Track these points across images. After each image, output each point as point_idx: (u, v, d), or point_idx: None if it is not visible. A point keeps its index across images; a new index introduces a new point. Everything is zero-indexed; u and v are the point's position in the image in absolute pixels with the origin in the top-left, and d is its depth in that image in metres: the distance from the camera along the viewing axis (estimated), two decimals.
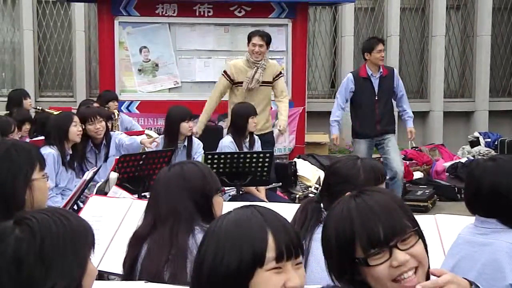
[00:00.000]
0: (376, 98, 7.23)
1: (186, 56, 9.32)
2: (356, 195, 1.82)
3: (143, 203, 3.08)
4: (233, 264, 1.55)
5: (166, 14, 9.17)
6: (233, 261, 1.56)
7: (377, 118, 7.22)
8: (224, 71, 7.17)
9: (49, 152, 5.13)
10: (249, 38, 7.06)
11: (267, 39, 7.08)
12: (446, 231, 3.05)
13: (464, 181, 7.90)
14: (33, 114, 8.36)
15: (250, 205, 1.69)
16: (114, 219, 3.11)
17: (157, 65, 9.25)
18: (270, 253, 1.57)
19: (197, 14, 9.25)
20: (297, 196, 7.97)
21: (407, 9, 11.73)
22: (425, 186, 8.54)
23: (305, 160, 8.82)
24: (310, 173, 8.46)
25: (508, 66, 12.32)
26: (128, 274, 2.53)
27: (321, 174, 8.64)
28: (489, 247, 2.50)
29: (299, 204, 2.70)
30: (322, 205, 2.59)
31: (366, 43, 7.55)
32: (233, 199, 5.81)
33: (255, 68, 6.96)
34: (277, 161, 8.69)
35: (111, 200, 3.38)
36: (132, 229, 2.68)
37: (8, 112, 7.41)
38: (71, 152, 5.33)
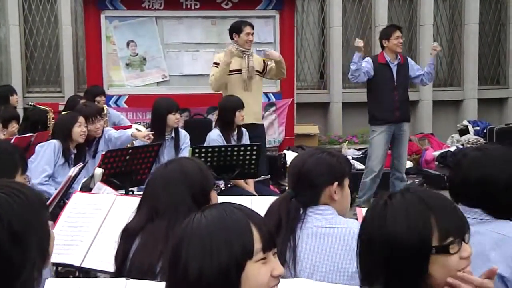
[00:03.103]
0: (395, 84, 7.23)
1: (174, 50, 9.31)
2: (408, 189, 1.82)
3: (127, 199, 3.08)
4: (224, 260, 1.59)
5: (152, 8, 9.16)
6: (224, 257, 1.58)
7: (396, 105, 7.23)
8: (215, 62, 7.15)
9: (52, 141, 5.25)
10: (239, 29, 7.06)
11: (253, 27, 7.23)
12: None
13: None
14: (21, 111, 8.34)
15: (220, 204, 1.73)
16: (98, 215, 3.09)
17: (144, 59, 9.24)
18: (257, 244, 1.62)
19: (184, 7, 9.24)
20: (287, 188, 7.95)
21: None
22: (415, 176, 8.56)
23: (294, 151, 8.82)
24: None
25: (496, 54, 12.33)
26: (120, 268, 2.52)
27: None
28: (477, 237, 2.50)
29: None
30: (295, 200, 2.57)
31: (383, 31, 7.60)
32: (221, 192, 5.80)
33: (246, 56, 6.96)
34: (267, 153, 8.69)
35: (94, 196, 3.37)
36: (117, 225, 2.67)
37: None
38: (75, 152, 5.35)
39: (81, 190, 4.03)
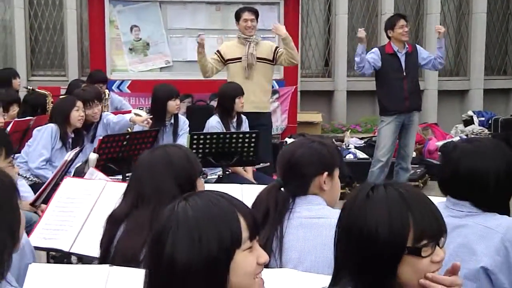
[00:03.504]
0: (404, 74, 7.18)
1: (178, 35, 9.27)
2: (391, 184, 1.76)
3: (117, 185, 3.06)
4: (214, 250, 1.56)
5: None
6: (214, 247, 1.56)
7: (405, 95, 7.17)
8: (217, 50, 7.20)
9: (49, 125, 5.25)
10: (238, 15, 7.05)
11: (256, 13, 7.11)
12: None
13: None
14: (23, 95, 8.33)
15: (202, 192, 1.71)
16: (88, 201, 3.08)
17: (148, 44, 9.20)
18: (245, 233, 1.61)
19: None
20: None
21: None
22: (417, 166, 8.51)
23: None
24: None
25: (503, 44, 12.24)
26: (103, 255, 2.51)
27: None
28: (462, 229, 2.49)
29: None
30: (284, 190, 2.55)
31: (388, 20, 7.54)
32: (219, 179, 5.79)
33: (247, 43, 6.92)
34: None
35: (85, 182, 3.35)
36: (106, 211, 2.66)
37: None
38: (73, 136, 5.35)
39: (75, 175, 4.03)
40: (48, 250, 3.19)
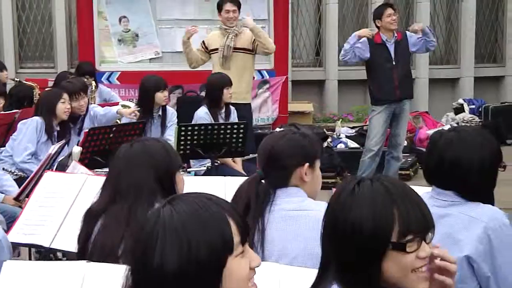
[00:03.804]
0: (394, 63, 7.15)
1: (167, 26, 9.20)
2: (377, 178, 1.72)
3: (98, 179, 3.03)
4: (205, 258, 1.48)
5: None
6: (205, 254, 1.48)
7: (395, 84, 7.13)
8: (202, 41, 7.21)
9: (34, 118, 5.20)
10: (220, 6, 7.01)
11: (238, 4, 7.07)
12: None
13: None
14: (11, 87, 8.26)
15: (188, 194, 1.60)
16: (68, 195, 3.05)
17: (137, 35, 9.13)
18: (236, 238, 1.53)
19: None
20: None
21: None
22: (408, 154, 8.50)
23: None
24: None
25: (493, 32, 12.22)
26: (81, 251, 2.48)
27: None
28: (446, 219, 2.47)
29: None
30: (265, 182, 2.52)
31: (375, 10, 7.54)
32: (208, 171, 5.76)
33: (227, 34, 6.90)
34: (259, 131, 8.63)
35: (65, 176, 3.32)
36: (87, 206, 2.62)
37: None
38: (58, 129, 5.31)
39: (58, 168, 3.99)
40: (28, 246, 3.15)
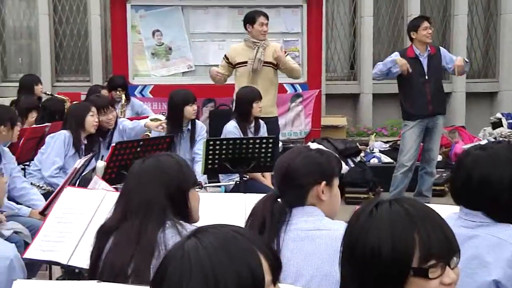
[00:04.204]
0: (426, 78, 7.04)
1: (200, 39, 9.22)
2: (397, 200, 1.64)
3: (117, 195, 2.98)
4: None
5: None
6: None
7: (428, 98, 7.03)
8: (225, 55, 7.18)
9: (61, 132, 5.22)
10: (253, 19, 6.96)
11: (268, 18, 7.05)
12: None
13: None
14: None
15: (215, 227, 1.44)
16: (87, 211, 3.03)
17: (170, 48, 9.17)
18: (267, 276, 1.37)
19: None
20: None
21: None
22: (443, 170, 8.35)
23: (319, 144, 8.67)
24: None
25: None
26: (92, 269, 2.44)
27: None
28: (474, 240, 2.38)
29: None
30: (281, 201, 2.45)
31: (410, 23, 7.44)
32: (236, 186, 5.72)
33: (256, 48, 6.84)
34: (290, 145, 8.56)
35: (85, 191, 3.29)
36: None
37: (15, 98, 7.34)
38: (85, 142, 5.32)
39: (80, 183, 3.98)
40: (46, 262, 3.13)
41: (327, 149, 2.60)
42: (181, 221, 2.42)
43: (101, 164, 4.08)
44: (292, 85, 9.01)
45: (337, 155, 2.61)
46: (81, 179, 4.09)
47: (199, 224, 2.57)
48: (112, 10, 9.24)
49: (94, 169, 4.22)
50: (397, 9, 11.37)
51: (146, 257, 2.29)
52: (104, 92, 7.28)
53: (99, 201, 3.05)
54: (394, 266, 1.56)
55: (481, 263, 2.34)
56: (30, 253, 2.85)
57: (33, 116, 6.35)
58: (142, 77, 9.12)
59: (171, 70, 9.19)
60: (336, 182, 2.50)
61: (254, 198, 2.91)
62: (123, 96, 7.28)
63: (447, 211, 2.63)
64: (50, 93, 7.28)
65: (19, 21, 10.85)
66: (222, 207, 3.10)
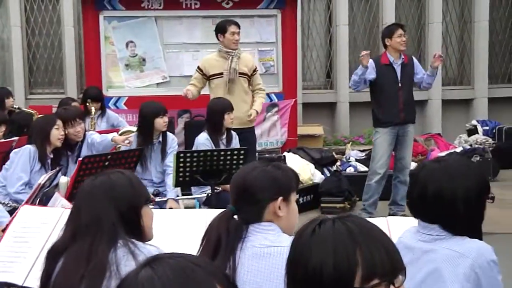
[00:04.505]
0: (400, 85, 7.02)
1: (174, 50, 9.16)
2: (341, 218, 1.59)
3: None
4: None
5: (152, 8, 9.01)
6: None
7: (400, 106, 7.00)
8: (198, 66, 7.04)
9: (26, 147, 5.11)
10: (223, 29, 6.89)
11: (239, 27, 6.97)
12: (397, 234, 2.87)
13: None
14: None
15: (172, 256, 1.36)
16: (44, 230, 2.95)
17: (144, 59, 9.09)
18: None
19: (183, 6, 9.08)
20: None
21: None
22: None
23: (295, 153, 8.64)
24: (300, 167, 8.27)
25: (507, 52, 12.04)
26: None
27: (312, 167, 8.48)
28: (431, 254, 2.35)
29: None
30: (237, 217, 2.40)
31: (385, 30, 7.42)
32: (208, 199, 5.66)
33: (230, 57, 6.78)
34: (266, 155, 8.53)
35: (42, 209, 3.21)
36: None
37: None
38: (52, 156, 5.22)
39: (41, 199, 3.90)
40: (1, 284, 3.04)
41: (284, 164, 2.55)
42: (133, 240, 2.35)
43: (64, 179, 3.99)
44: (268, 94, 8.95)
45: (294, 169, 2.54)
46: (42, 195, 3.99)
47: (156, 241, 2.51)
48: (85, 21, 9.16)
49: (57, 185, 4.13)
50: (372, 18, 11.40)
51: (97, 278, 2.22)
52: (75, 104, 7.18)
53: (56, 219, 2.97)
54: (336, 286, 1.51)
55: (439, 277, 2.32)
56: None
57: (1, 130, 6.23)
58: (116, 89, 9.03)
59: (145, 81, 9.11)
60: (293, 197, 2.45)
61: (215, 214, 2.86)
62: (93, 109, 7.18)
63: (411, 224, 2.60)
64: (18, 107, 7.15)
65: None
66: (182, 223, 3.04)
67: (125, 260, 2.27)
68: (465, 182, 2.34)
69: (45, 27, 10.67)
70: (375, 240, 1.56)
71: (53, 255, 2.38)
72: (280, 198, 2.39)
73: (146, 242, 2.42)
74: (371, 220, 3.27)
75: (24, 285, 2.75)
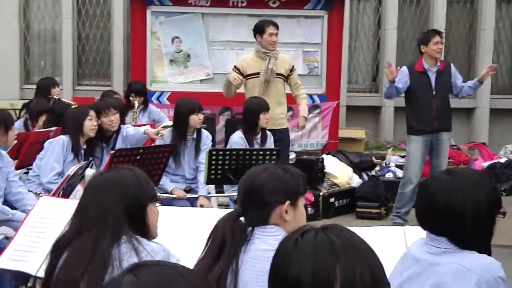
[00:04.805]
0: (434, 93, 6.92)
1: (219, 47, 9.21)
2: (325, 229, 1.56)
3: None
4: None
5: (199, 4, 9.08)
6: None
7: (434, 114, 6.91)
8: (234, 66, 7.04)
9: (60, 137, 5.20)
10: (262, 29, 6.88)
11: (278, 27, 6.94)
12: None
13: (500, 182, 7.54)
14: None
15: (157, 264, 1.37)
16: (60, 221, 2.99)
17: (189, 55, 9.17)
18: None
19: (230, 4, 9.12)
20: (321, 193, 7.74)
21: (454, 2, 11.27)
22: None
23: (334, 156, 8.59)
24: (338, 170, 8.23)
25: None
26: (46, 284, 2.40)
27: (350, 171, 8.41)
28: (438, 267, 2.30)
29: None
30: (244, 219, 2.39)
31: (422, 36, 7.32)
32: None
33: (267, 58, 6.77)
34: (304, 157, 8.49)
35: (60, 201, 3.26)
36: None
37: (27, 101, 7.38)
38: (85, 147, 5.31)
39: (66, 191, 3.95)
40: (15, 273, 3.09)
41: (294, 168, 2.53)
42: (137, 237, 2.37)
43: (90, 172, 4.02)
44: (310, 96, 8.92)
45: (303, 173, 2.52)
46: (67, 186, 4.04)
47: (162, 239, 2.53)
48: (132, 16, 9.29)
49: (83, 177, 4.18)
50: (422, 22, 11.23)
51: (99, 272, 2.25)
52: (117, 97, 7.28)
53: (72, 211, 3.01)
54: None
55: None
56: (1, 263, 2.82)
57: (42, 119, 6.36)
58: (160, 84, 9.13)
59: (189, 78, 9.18)
60: (301, 202, 2.43)
61: (222, 214, 2.85)
62: (136, 103, 7.27)
63: (420, 235, 2.55)
64: (58, 98, 7.27)
65: (44, 24, 10.96)
66: (188, 223, 3.05)
67: (128, 256, 2.28)
68: (475, 195, 2.29)
69: (95, 20, 10.85)
70: (357, 254, 1.52)
71: (58, 248, 2.41)
72: (288, 202, 2.37)
73: (151, 240, 2.43)
74: (385, 228, 3.24)
75: (37, 275, 2.79)
